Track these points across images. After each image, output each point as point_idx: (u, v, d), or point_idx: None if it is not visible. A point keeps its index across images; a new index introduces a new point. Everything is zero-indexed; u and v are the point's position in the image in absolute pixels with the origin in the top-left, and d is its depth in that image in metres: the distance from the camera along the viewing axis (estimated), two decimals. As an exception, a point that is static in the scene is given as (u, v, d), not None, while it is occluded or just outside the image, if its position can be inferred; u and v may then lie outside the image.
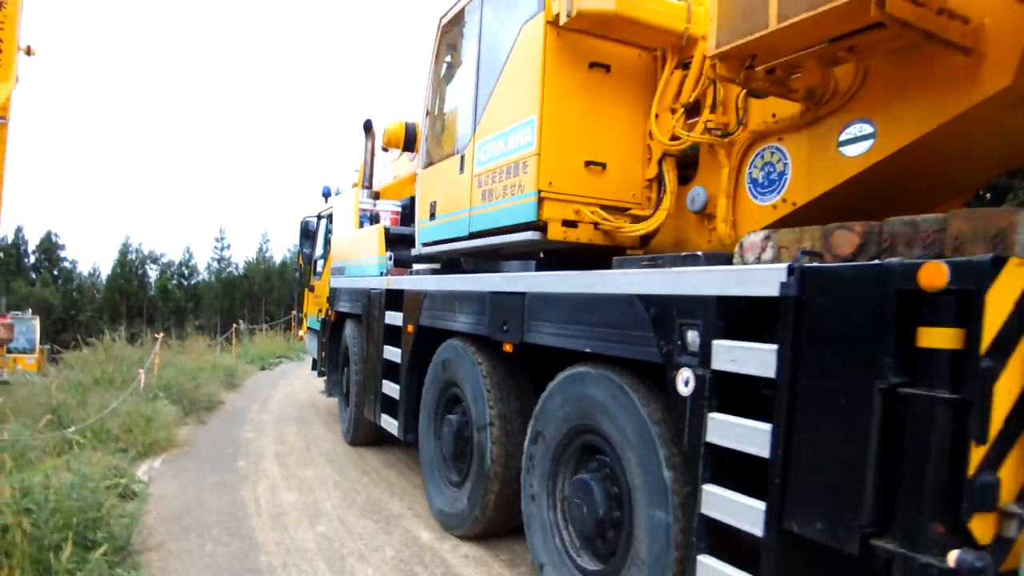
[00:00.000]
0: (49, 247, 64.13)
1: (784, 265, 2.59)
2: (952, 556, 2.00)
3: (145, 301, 61.48)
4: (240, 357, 16.06)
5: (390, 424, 6.55)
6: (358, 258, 8.26)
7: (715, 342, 2.79)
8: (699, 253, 3.54)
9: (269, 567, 4.64)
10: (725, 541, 2.78)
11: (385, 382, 6.62)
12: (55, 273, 63.18)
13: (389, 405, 6.57)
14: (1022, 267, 2.13)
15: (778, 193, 3.73)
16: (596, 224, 4.39)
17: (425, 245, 6.01)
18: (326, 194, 11.38)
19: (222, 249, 66.12)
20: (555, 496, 4.01)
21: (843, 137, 3.36)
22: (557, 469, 4.00)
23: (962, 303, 2.07)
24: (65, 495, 4.57)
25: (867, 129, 3.27)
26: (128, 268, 62.42)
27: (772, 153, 3.79)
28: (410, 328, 6.02)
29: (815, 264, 2.56)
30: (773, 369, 2.51)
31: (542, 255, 4.95)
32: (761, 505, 2.54)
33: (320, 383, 10.11)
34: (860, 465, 2.22)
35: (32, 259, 63.53)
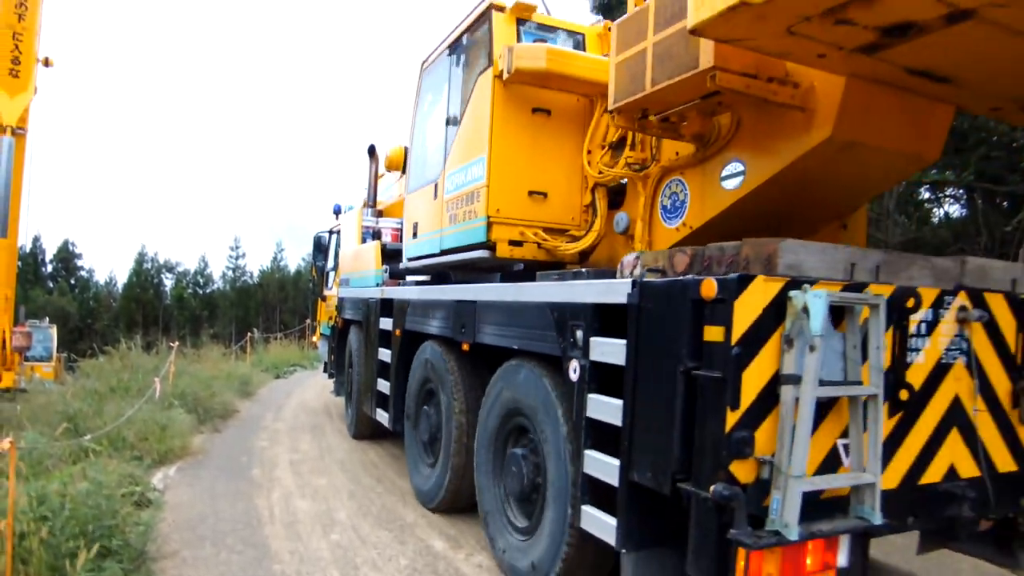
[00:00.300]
0: (66, 256, 64.85)
1: (630, 280, 3.41)
2: (711, 489, 2.76)
3: (161, 310, 61.95)
4: (255, 365, 16.12)
5: (383, 416, 7.30)
6: (359, 271, 9.26)
7: (592, 339, 3.63)
8: (585, 270, 4.52)
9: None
10: (600, 493, 3.56)
11: (379, 380, 7.36)
12: (72, 282, 63.83)
13: (382, 400, 7.29)
14: (770, 282, 2.87)
15: (680, 218, 4.47)
16: (539, 244, 5.28)
17: (409, 260, 6.93)
18: (336, 211, 12.17)
19: (237, 258, 66.54)
20: (498, 468, 4.84)
21: (723, 173, 4.12)
22: (499, 446, 4.84)
23: (726, 308, 2.82)
24: (81, 503, 4.60)
25: (739, 167, 4.03)
26: (144, 277, 62.93)
27: (676, 185, 4.55)
28: (397, 332, 6.87)
29: (649, 279, 3.33)
30: (623, 359, 3.32)
31: (523, 267, 5.59)
32: (616, 462, 3.35)
33: (332, 388, 10.84)
34: (670, 428, 3.01)
35: (49, 268, 64.28)
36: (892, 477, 3.23)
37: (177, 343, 11.97)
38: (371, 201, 9.96)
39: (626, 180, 4.97)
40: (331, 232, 12.51)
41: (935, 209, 13.00)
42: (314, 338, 14.84)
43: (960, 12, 2.81)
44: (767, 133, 3.85)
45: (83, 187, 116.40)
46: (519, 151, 5.26)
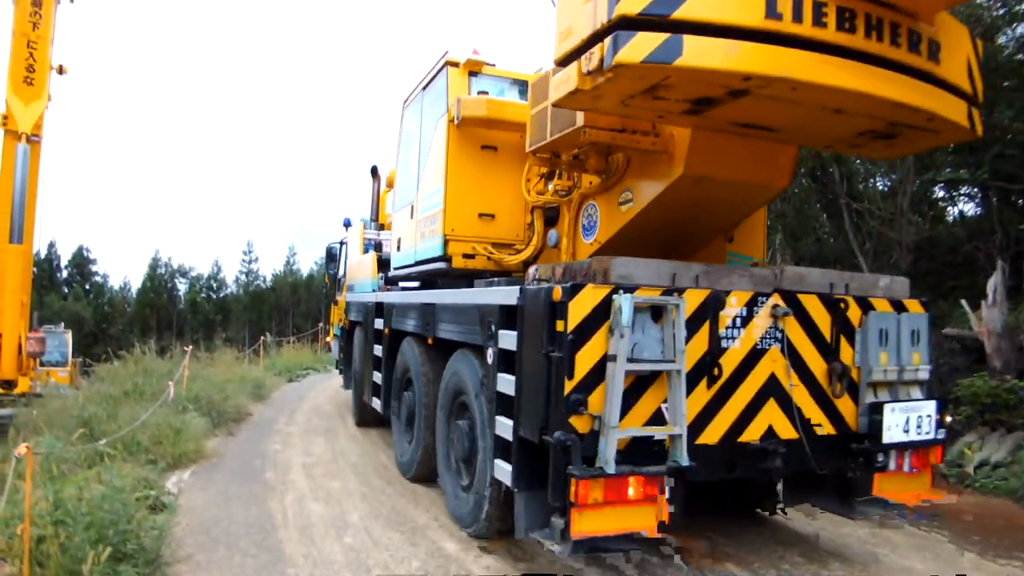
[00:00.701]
0: (81, 262, 65.41)
1: (518, 287, 4.56)
2: (555, 436, 3.83)
3: (175, 314, 62.37)
4: (268, 369, 16.18)
5: (376, 404, 8.26)
6: (360, 278, 10.72)
7: (500, 331, 4.67)
8: (498, 279, 5.44)
9: (296, 579, 4.65)
10: (505, 448, 4.50)
11: (374, 372, 8.41)
12: (87, 287, 64.39)
13: (376, 389, 8.28)
14: (598, 289, 3.96)
15: (594, 235, 5.56)
16: (488, 256, 6.43)
17: (395, 269, 8.25)
18: (346, 224, 13.38)
19: (250, 262, 66.95)
20: (449, 439, 5.86)
21: (620, 199, 5.25)
22: (450, 421, 5.87)
23: (564, 307, 3.93)
24: (97, 507, 4.63)
25: (630, 195, 5.14)
26: (158, 282, 63.40)
27: (591, 208, 5.66)
28: (387, 330, 7.87)
29: (528, 286, 4.46)
30: (515, 345, 4.40)
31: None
32: (511, 423, 4.38)
33: (343, 386, 11.78)
34: (538, 395, 4.05)
35: (64, 273, 64.85)
36: (713, 435, 4.27)
37: (191, 347, 12.03)
38: (373, 216, 11.07)
39: (558, 204, 6.11)
40: (341, 243, 13.88)
41: (949, 208, 12.90)
42: (328, 338, 16.34)
43: (736, 91, 3.75)
44: (646, 169, 5.01)
45: (97, 193, 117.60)
46: (470, 181, 6.43)
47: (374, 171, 10.80)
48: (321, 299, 51.67)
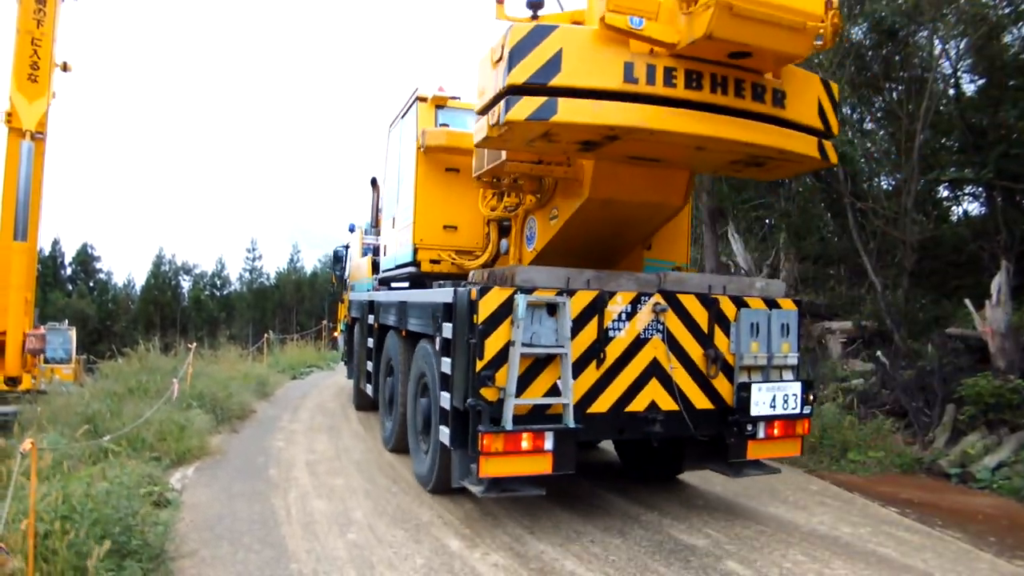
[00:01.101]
0: (85, 259, 65.58)
1: (453, 288, 5.58)
2: (468, 402, 4.96)
3: (178, 311, 62.54)
4: (271, 366, 16.20)
5: (369, 389, 9.38)
6: (359, 279, 12.03)
7: (443, 323, 5.63)
8: (444, 282, 6.63)
9: (300, 575, 4.67)
10: (446, 416, 5.50)
11: (367, 362, 9.52)
12: (91, 285, 64.55)
13: (369, 377, 9.39)
14: (503, 291, 5.00)
15: (533, 244, 6.66)
16: (452, 262, 7.47)
17: (382, 272, 9.36)
18: (351, 230, 14.45)
19: (254, 260, 67.12)
20: (415, 415, 6.93)
21: (550, 216, 6.29)
22: (416, 399, 6.93)
23: (476, 305, 5.03)
24: (102, 503, 4.65)
25: (556, 212, 6.23)
26: (161, 279, 63.56)
27: (532, 221, 6.73)
28: (376, 325, 8.91)
29: (459, 287, 5.49)
30: (452, 335, 5.43)
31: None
32: (448, 395, 5.45)
33: (347, 382, 12.65)
34: (465, 372, 5.13)
35: (69, 271, 65.04)
36: (603, 405, 5.34)
37: (195, 344, 12.05)
38: (372, 223, 11.84)
39: (508, 218, 7.21)
40: (346, 247, 15.25)
41: (954, 207, 12.87)
42: (335, 333, 18.19)
43: (609, 136, 4.70)
44: (566, 192, 6.06)
45: (102, 191, 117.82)
46: (436, 198, 7.54)
47: (374, 182, 11.57)
48: (326, 297, 52.04)
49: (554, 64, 4.40)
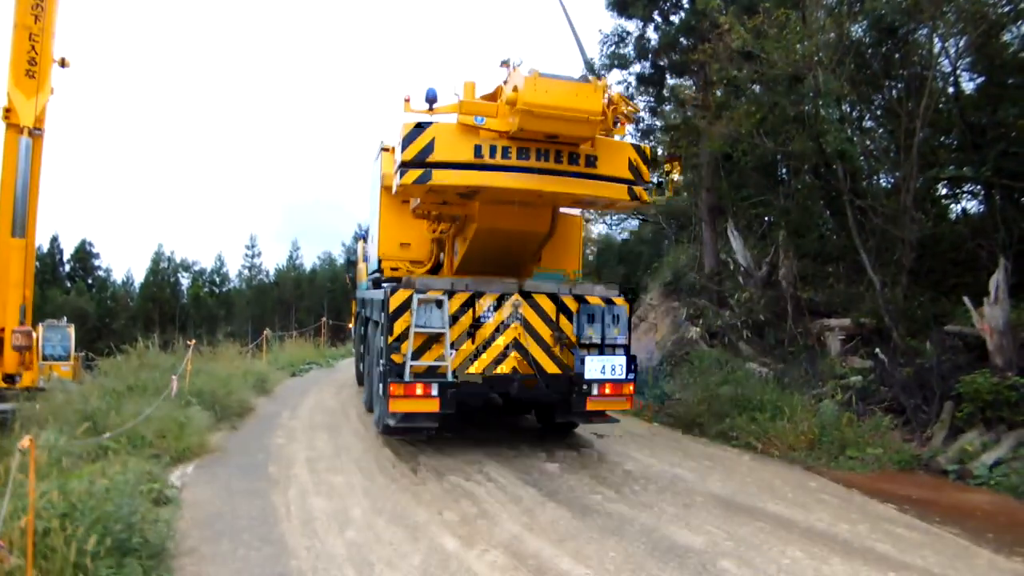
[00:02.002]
0: (84, 256, 65.41)
1: (383, 288, 8.58)
2: (382, 363, 8.13)
3: (177, 308, 62.44)
4: (271, 363, 16.20)
5: (361, 368, 12.41)
6: (361, 281, 13.65)
7: (381, 313, 8.07)
8: (388, 282, 9.02)
9: (299, 572, 4.68)
10: (385, 375, 7.63)
11: (360, 346, 12.51)
12: (90, 282, 64.40)
13: (361, 358, 12.30)
14: (405, 291, 7.56)
15: (457, 257, 8.77)
16: (407, 271, 9.50)
17: (368, 275, 11.69)
18: (358, 237, 17.50)
19: (253, 256, 67.01)
20: (375, 380, 8.95)
21: (463, 237, 8.45)
22: (374, 370, 9.19)
23: (388, 300, 7.68)
24: (102, 500, 4.65)
25: (465, 235, 8.34)
26: (161, 276, 63.42)
27: (456, 241, 8.88)
28: (364, 317, 11.59)
29: (393, 285, 7.96)
30: (383, 320, 7.91)
31: None
32: (383, 360, 7.90)
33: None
34: (385, 343, 7.67)
35: (67, 268, 64.90)
36: (478, 368, 7.61)
37: (194, 341, 12.05)
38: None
39: (444, 238, 9.30)
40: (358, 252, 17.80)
41: (953, 205, 12.86)
42: (349, 325, 19.83)
43: (470, 191, 7.38)
44: (467, 223, 8.31)
45: (100, 187, 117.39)
46: (394, 223, 9.76)
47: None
48: (327, 294, 51.97)
49: (429, 147, 6.95)
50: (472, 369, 7.59)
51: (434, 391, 7.28)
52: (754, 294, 13.07)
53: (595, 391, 7.76)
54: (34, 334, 14.20)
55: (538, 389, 7.78)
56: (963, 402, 8.20)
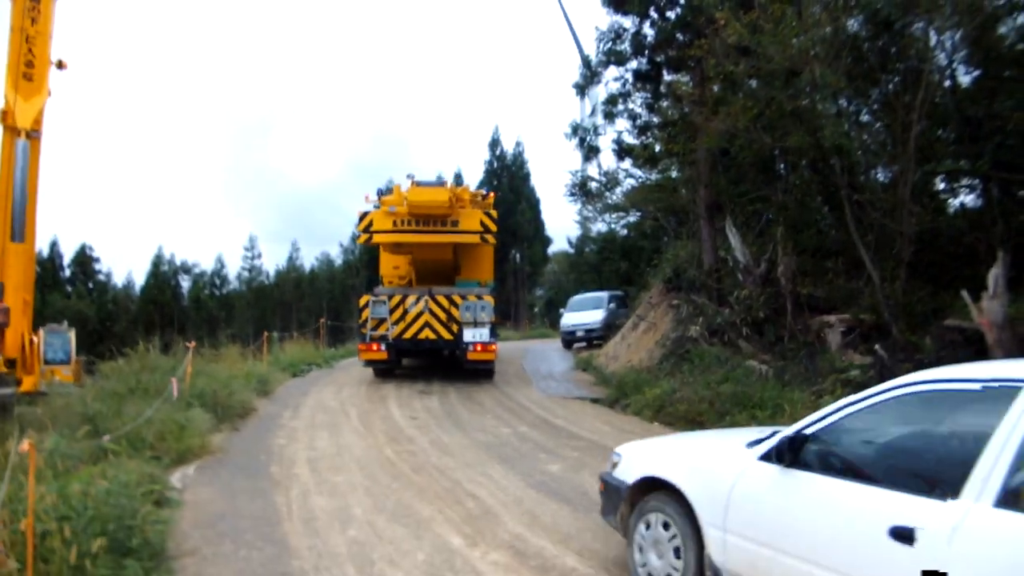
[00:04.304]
0: (84, 260, 65.39)
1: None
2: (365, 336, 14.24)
3: (178, 311, 62.44)
4: (271, 365, 16.21)
5: None
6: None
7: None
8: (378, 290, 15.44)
9: (301, 571, 4.69)
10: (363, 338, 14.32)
11: None
12: (90, 285, 64.40)
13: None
14: (367, 296, 14.28)
15: (413, 275, 15.77)
16: (397, 283, 15.68)
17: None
18: None
19: (252, 258, 66.96)
20: None
21: (410, 261, 15.56)
22: None
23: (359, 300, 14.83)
24: (102, 502, 4.66)
25: (412, 260, 15.67)
26: (161, 279, 63.44)
27: (412, 265, 15.93)
28: None
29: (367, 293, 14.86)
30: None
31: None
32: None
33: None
34: (362, 323, 14.17)
35: (68, 272, 64.90)
36: (407, 335, 13.63)
37: (194, 343, 12.06)
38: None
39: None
40: None
41: (951, 199, 12.86)
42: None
43: (395, 243, 14.62)
44: (412, 255, 15.00)
45: (99, 190, 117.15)
46: (388, 257, 15.86)
47: None
48: (326, 296, 51.90)
49: (370, 224, 13.65)
50: (404, 336, 13.56)
51: (383, 347, 13.55)
52: (753, 291, 13.07)
53: (471, 348, 13.53)
54: (35, 339, 14.19)
55: (438, 345, 13.75)
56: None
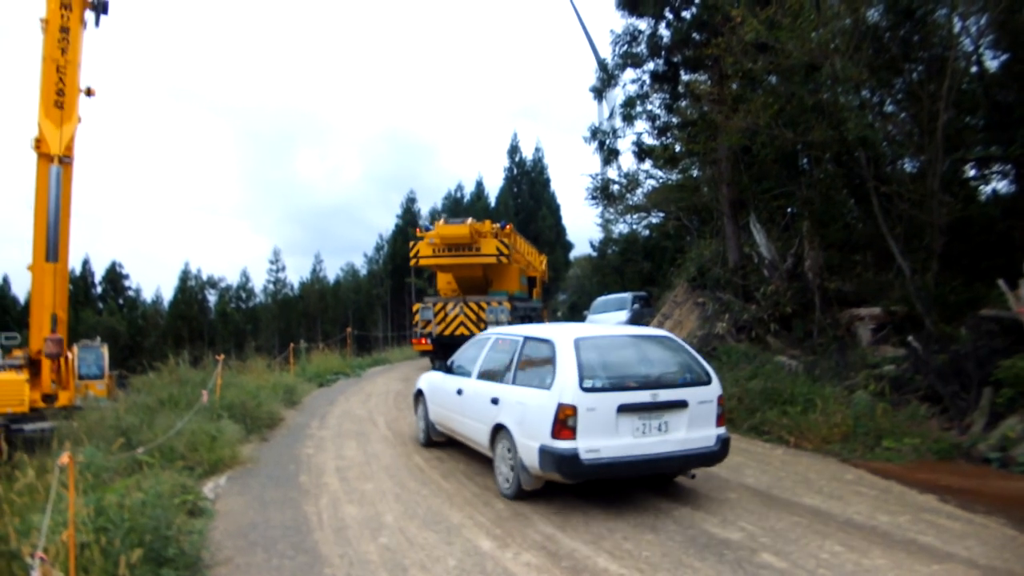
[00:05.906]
0: (114, 277, 66.77)
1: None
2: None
3: (206, 325, 63.38)
4: (298, 375, 16.36)
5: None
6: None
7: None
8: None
9: (334, 579, 4.69)
10: (415, 334, 18.82)
11: None
12: (120, 302, 65.68)
13: None
14: (418, 304, 18.76)
15: (458, 287, 19.49)
16: (450, 294, 19.19)
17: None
18: None
19: (277, 271, 67.69)
20: None
21: (453, 277, 19.63)
22: None
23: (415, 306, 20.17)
24: (138, 513, 4.72)
25: (455, 276, 19.80)
26: (188, 294, 64.47)
27: (455, 280, 19.87)
28: None
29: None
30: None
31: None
32: None
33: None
34: (415, 324, 18.65)
35: (99, 289, 66.27)
36: (447, 332, 16.96)
37: (223, 356, 12.20)
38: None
39: None
40: None
41: (982, 187, 12.59)
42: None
43: (437, 266, 18.85)
44: (452, 272, 18.84)
45: (128, 208, 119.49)
46: (443, 275, 19.44)
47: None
48: (352, 305, 52.27)
49: (418, 252, 17.58)
50: (445, 333, 16.73)
51: (429, 341, 16.81)
52: (780, 287, 12.90)
53: None
54: (69, 355, 14.46)
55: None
56: (1002, 387, 7.99)
